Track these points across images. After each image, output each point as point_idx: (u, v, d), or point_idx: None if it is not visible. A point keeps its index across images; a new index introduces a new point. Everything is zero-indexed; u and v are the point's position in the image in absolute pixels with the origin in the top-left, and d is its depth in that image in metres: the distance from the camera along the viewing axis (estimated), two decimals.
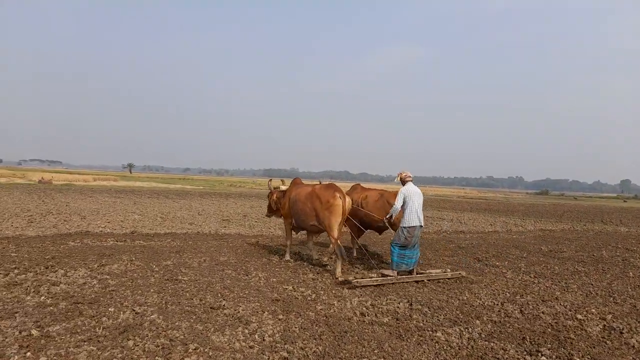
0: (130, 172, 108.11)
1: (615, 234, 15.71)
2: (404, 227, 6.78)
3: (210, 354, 3.73)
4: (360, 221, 8.28)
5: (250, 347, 3.94)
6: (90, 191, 27.44)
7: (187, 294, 5.39)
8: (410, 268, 6.88)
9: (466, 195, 66.88)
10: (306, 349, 3.96)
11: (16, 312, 4.45)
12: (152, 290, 5.48)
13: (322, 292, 5.88)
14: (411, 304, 5.48)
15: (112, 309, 4.68)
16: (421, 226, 6.88)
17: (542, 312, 5.36)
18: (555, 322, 5.02)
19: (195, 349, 3.79)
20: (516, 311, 5.38)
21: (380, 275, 6.73)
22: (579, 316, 5.25)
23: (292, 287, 6.01)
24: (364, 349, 4.04)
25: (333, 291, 5.94)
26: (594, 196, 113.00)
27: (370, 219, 8.10)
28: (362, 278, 6.53)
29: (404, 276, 6.78)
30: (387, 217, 7.21)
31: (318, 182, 8.17)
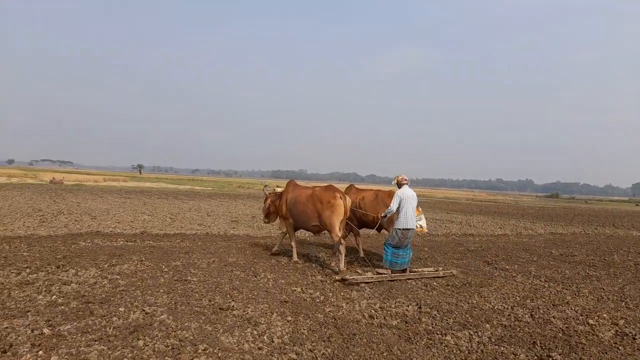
0: (140, 173, 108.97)
1: (627, 238, 15.51)
2: (398, 229, 7.03)
3: (220, 354, 3.74)
4: (357, 220, 8.64)
5: (259, 349, 3.94)
6: (101, 191, 27.68)
7: (197, 295, 5.42)
8: (404, 267, 7.15)
9: (475, 198, 66.48)
10: (315, 351, 3.96)
11: (28, 311, 4.50)
12: (161, 290, 5.51)
13: (330, 294, 5.88)
14: (420, 307, 5.46)
15: (123, 309, 4.71)
16: (414, 228, 7.14)
17: (553, 317, 5.31)
18: (567, 327, 4.97)
19: (204, 350, 3.80)
20: (526, 315, 5.34)
21: (375, 273, 7.02)
22: (591, 321, 5.20)
23: (301, 289, 6.02)
24: (372, 352, 4.03)
25: (342, 293, 5.94)
26: (605, 200, 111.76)
27: (367, 218, 8.47)
28: (359, 276, 6.83)
29: (397, 274, 7.04)
30: (382, 216, 7.49)
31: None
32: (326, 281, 6.58)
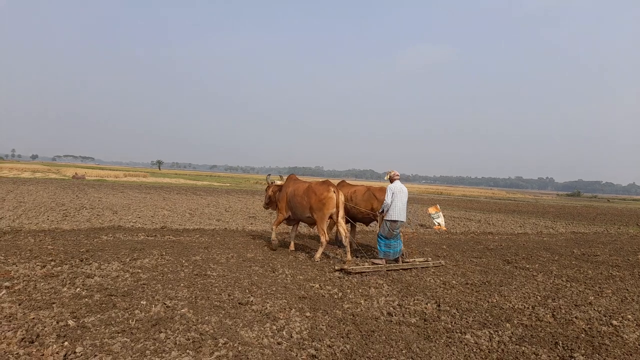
0: (159, 169, 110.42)
1: None
2: (388, 220, 7.56)
3: (240, 348, 3.77)
4: (348, 214, 8.95)
5: (279, 344, 3.97)
6: (122, 187, 28.17)
7: (216, 289, 5.48)
8: (396, 256, 7.68)
9: (494, 196, 65.65)
10: (334, 347, 3.97)
11: (53, 303, 4.61)
12: (182, 284, 5.59)
13: (348, 290, 5.88)
14: (439, 305, 5.42)
15: (144, 302, 4.79)
16: (403, 221, 7.61)
17: (575, 317, 5.22)
18: (589, 328, 4.88)
19: (224, 344, 3.84)
20: (548, 315, 5.26)
21: (371, 263, 7.50)
22: (615, 322, 5.09)
23: (319, 285, 6.03)
24: (391, 349, 4.02)
25: (359, 290, 5.93)
26: (629, 198, 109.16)
27: (357, 211, 8.87)
28: (356, 266, 7.23)
29: (392, 264, 7.50)
30: (380, 212, 7.91)
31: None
32: (344, 278, 6.59)
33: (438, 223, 14.60)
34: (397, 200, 7.52)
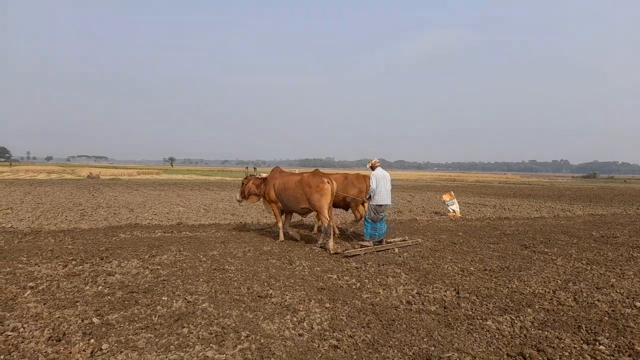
0: (172, 166, 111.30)
1: None
2: (373, 205, 8.06)
3: (262, 341, 3.80)
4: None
5: (300, 335, 3.99)
6: (136, 185, 28.48)
7: (235, 283, 5.53)
8: (381, 238, 8.21)
9: (508, 180, 65.02)
10: (355, 337, 3.98)
11: (77, 301, 4.69)
12: (201, 279, 5.65)
13: (366, 280, 5.89)
14: (458, 292, 5.40)
15: (166, 298, 4.85)
16: (388, 204, 8.14)
17: (598, 300, 5.15)
18: (612, 310, 4.82)
19: (247, 336, 3.88)
20: (569, 299, 5.20)
21: (360, 246, 7.91)
22: (638, 304, 5.01)
23: (337, 276, 6.04)
24: (413, 337, 4.01)
25: (377, 280, 5.93)
26: None
27: (338, 198, 9.10)
28: (348, 250, 7.68)
29: (379, 246, 8.02)
30: (367, 197, 8.32)
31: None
32: (361, 268, 6.59)
33: (453, 210, 14.50)
34: (381, 186, 8.02)
